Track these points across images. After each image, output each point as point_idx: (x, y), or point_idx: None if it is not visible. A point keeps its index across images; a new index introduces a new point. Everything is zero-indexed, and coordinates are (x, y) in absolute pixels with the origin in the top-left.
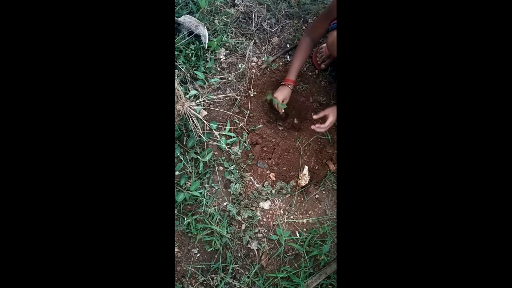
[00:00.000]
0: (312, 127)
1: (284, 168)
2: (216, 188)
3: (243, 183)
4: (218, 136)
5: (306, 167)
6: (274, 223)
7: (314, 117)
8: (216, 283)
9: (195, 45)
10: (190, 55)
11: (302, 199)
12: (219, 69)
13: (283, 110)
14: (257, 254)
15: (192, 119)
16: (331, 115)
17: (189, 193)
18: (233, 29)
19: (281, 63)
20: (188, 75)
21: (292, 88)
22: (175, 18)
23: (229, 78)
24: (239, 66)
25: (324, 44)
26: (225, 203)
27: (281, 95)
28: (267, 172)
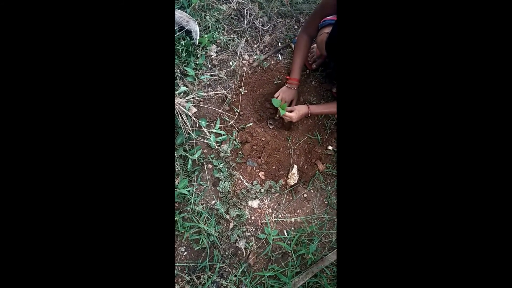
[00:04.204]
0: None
1: (273, 167)
2: (204, 186)
3: (232, 181)
4: (207, 133)
5: (295, 166)
6: (262, 221)
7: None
8: (203, 282)
9: (186, 40)
10: (180, 50)
11: (291, 198)
12: (210, 66)
13: (285, 114)
14: (244, 253)
15: (181, 115)
16: (296, 110)
17: (177, 190)
18: (224, 26)
19: (272, 62)
20: (178, 71)
21: (297, 88)
22: None
23: (220, 75)
24: (230, 63)
25: (315, 44)
26: (213, 202)
27: (288, 97)
28: (257, 170)
